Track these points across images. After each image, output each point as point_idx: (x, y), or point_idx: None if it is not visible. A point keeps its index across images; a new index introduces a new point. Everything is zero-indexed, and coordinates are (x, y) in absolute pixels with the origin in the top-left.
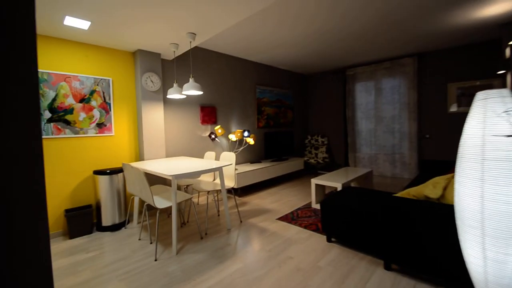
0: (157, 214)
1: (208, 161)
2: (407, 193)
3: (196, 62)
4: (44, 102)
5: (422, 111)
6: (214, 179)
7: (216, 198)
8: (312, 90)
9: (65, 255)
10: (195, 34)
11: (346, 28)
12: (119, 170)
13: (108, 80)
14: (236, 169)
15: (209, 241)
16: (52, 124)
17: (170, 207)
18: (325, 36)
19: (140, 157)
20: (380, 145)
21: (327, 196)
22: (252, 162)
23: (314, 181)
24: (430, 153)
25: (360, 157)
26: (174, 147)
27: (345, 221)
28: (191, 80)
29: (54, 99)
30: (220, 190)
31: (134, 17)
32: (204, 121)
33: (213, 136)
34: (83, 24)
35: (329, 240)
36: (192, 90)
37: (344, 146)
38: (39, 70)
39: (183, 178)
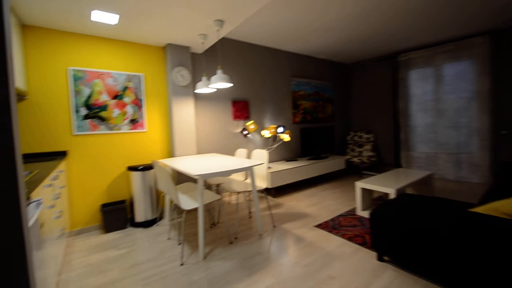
0: (184, 215)
1: (238, 159)
2: (494, 209)
3: (226, 54)
4: (80, 99)
5: (498, 102)
6: (245, 178)
7: (248, 198)
8: (354, 81)
9: (99, 251)
10: (222, 21)
11: (397, 3)
12: (151, 167)
13: (140, 76)
14: (269, 168)
15: (239, 247)
16: (88, 120)
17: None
18: (371, 16)
19: (171, 153)
20: (440, 143)
21: (378, 205)
22: (287, 160)
23: (359, 184)
24: (509, 153)
25: (414, 156)
26: (205, 144)
27: (402, 237)
28: (219, 71)
29: (89, 96)
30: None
31: (159, 5)
32: (236, 116)
33: (245, 132)
34: (112, 19)
35: (380, 259)
36: (220, 82)
37: (394, 144)
38: (75, 67)
39: (210, 177)
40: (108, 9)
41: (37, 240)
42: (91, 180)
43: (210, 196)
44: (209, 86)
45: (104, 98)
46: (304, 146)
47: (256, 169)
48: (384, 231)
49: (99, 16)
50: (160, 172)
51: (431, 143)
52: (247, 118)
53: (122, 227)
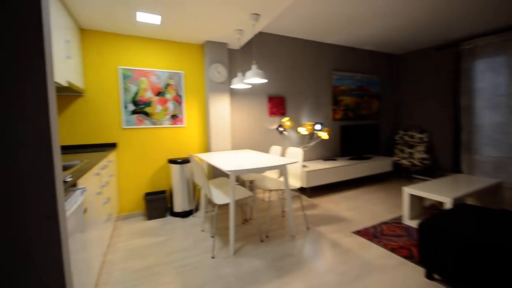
0: (216, 209)
1: (272, 156)
2: None
3: (262, 49)
4: (128, 96)
5: None
6: (279, 176)
7: (281, 196)
8: (406, 73)
9: (140, 236)
10: (258, 15)
11: None
12: (189, 160)
13: (180, 73)
14: (305, 167)
15: (270, 246)
16: (135, 115)
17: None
18: None
19: (208, 148)
20: None
21: (430, 214)
22: (325, 159)
23: (407, 190)
24: None
25: (479, 160)
26: (240, 140)
27: (459, 253)
28: (253, 67)
29: (136, 93)
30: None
31: (198, 3)
32: (272, 112)
33: (281, 129)
34: (155, 19)
35: (429, 276)
36: (254, 77)
37: (453, 145)
38: (124, 67)
39: (242, 174)
40: (151, 10)
41: (81, 223)
42: (136, 170)
43: (242, 193)
44: (244, 81)
45: (148, 95)
46: (344, 145)
47: (290, 167)
48: (436, 245)
49: (143, 17)
50: (195, 166)
51: (501, 145)
52: (283, 114)
53: (162, 215)
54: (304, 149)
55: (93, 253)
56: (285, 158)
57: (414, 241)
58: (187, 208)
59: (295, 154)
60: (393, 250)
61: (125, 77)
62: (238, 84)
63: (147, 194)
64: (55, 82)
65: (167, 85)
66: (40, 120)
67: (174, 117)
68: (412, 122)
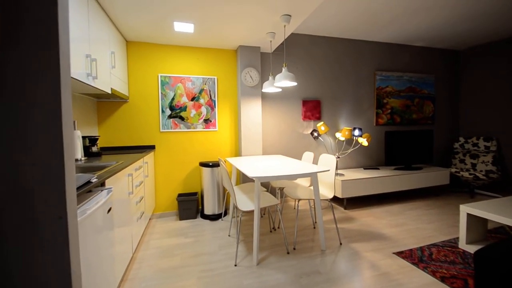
0: (240, 216)
1: (303, 163)
2: None
3: (295, 51)
4: (166, 101)
5: None
6: (310, 185)
7: (313, 205)
8: (468, 72)
9: (171, 235)
10: (289, 15)
11: None
12: (219, 164)
13: (214, 78)
14: (341, 175)
15: (296, 260)
16: (171, 119)
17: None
18: None
19: (239, 152)
20: None
21: (493, 240)
22: (366, 168)
23: (465, 208)
24: None
25: None
26: (271, 145)
27: None
28: (283, 69)
29: (173, 98)
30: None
31: (229, 7)
32: (306, 116)
33: (315, 134)
34: (189, 28)
35: None
36: (284, 81)
37: None
38: (163, 74)
39: (267, 180)
40: (185, 19)
41: (105, 221)
42: (171, 171)
43: (269, 200)
44: (274, 85)
45: (184, 100)
46: (389, 153)
47: (322, 176)
48: (498, 280)
49: (180, 26)
50: (222, 170)
51: None
52: (318, 118)
53: (193, 216)
54: (339, 156)
55: (121, 249)
56: (316, 166)
57: (471, 271)
58: (216, 212)
59: (328, 161)
60: (443, 279)
61: (164, 83)
62: (269, 87)
63: (180, 195)
64: (101, 90)
65: (201, 90)
66: (51, 124)
67: (207, 121)
68: (476, 128)
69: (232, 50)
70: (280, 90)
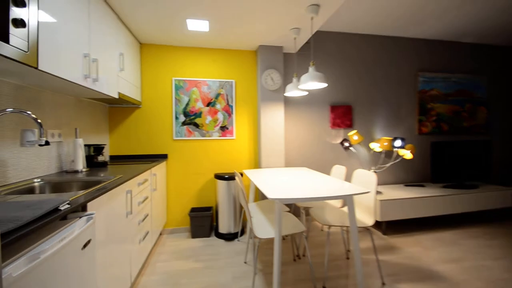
0: (257, 243)
1: (333, 180)
2: None
3: (322, 50)
4: (180, 107)
5: None
6: (343, 205)
7: (346, 228)
8: None
9: (180, 257)
10: (318, 5)
11: None
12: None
13: (231, 82)
14: (379, 193)
15: None
16: (185, 126)
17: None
18: None
19: (258, 164)
20: None
21: None
22: (408, 184)
23: None
24: None
25: None
26: (295, 156)
27: None
28: (310, 69)
29: (187, 104)
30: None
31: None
32: (335, 124)
33: (346, 144)
34: (203, 25)
35: None
36: (311, 81)
37: None
38: (177, 78)
39: (292, 202)
40: (200, 16)
41: (73, 262)
42: (184, 183)
43: (293, 225)
44: (299, 87)
45: (199, 105)
46: (436, 167)
47: (359, 195)
48: None
49: (193, 24)
50: (238, 186)
51: None
52: (349, 126)
53: (206, 234)
54: (375, 170)
55: (111, 282)
56: (350, 185)
57: None
58: (232, 230)
59: (366, 179)
60: None
61: (178, 88)
62: (293, 91)
63: (193, 209)
64: (104, 94)
65: (218, 95)
66: None
67: (223, 128)
68: None
69: (251, 51)
70: (305, 93)
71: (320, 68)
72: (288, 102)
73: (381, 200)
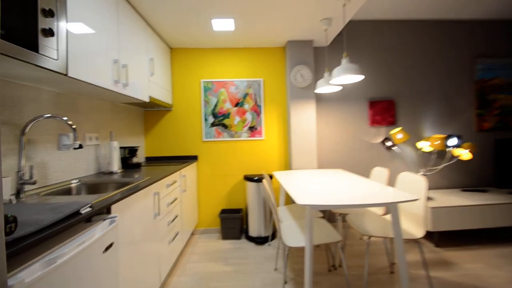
0: (286, 252)
1: (374, 184)
2: None
3: (357, 41)
4: (209, 108)
5: None
6: (385, 213)
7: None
8: None
9: (211, 259)
10: None
11: None
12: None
13: (259, 81)
14: (430, 199)
15: None
16: (214, 128)
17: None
18: None
19: (289, 165)
20: None
21: None
22: (466, 189)
23: None
24: None
25: None
26: (329, 156)
27: None
28: (343, 61)
29: (215, 105)
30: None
31: None
32: (375, 121)
33: (388, 144)
34: (229, 24)
35: None
36: (345, 75)
37: None
38: (206, 80)
39: (326, 209)
40: (224, 15)
41: (94, 266)
42: (214, 184)
43: (326, 234)
44: (331, 81)
45: (227, 106)
46: (501, 169)
47: (406, 203)
48: None
49: (218, 24)
50: (265, 189)
51: None
52: (392, 124)
53: (236, 237)
54: (425, 173)
55: (137, 285)
56: (396, 191)
57: None
58: (262, 234)
59: (413, 183)
60: None
61: (206, 89)
62: (324, 87)
63: (223, 211)
64: (135, 98)
65: (246, 94)
66: None
67: (252, 128)
68: None
69: (279, 48)
70: (338, 89)
71: (356, 60)
72: (320, 99)
73: (432, 208)
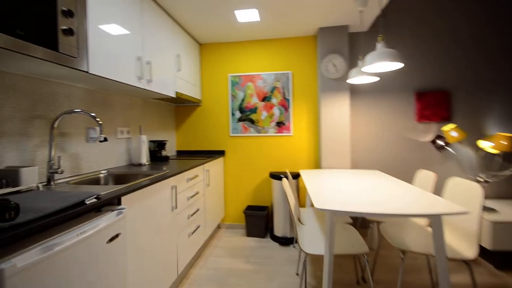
0: (304, 259)
1: (415, 190)
2: None
3: (402, 23)
4: (236, 103)
5: None
6: (429, 224)
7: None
8: None
9: (233, 255)
10: None
11: None
12: (294, 176)
13: (288, 74)
14: (491, 210)
15: None
16: (241, 123)
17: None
18: None
19: (319, 164)
20: None
21: None
22: None
23: None
24: None
25: None
26: (364, 156)
27: None
28: (378, 45)
29: (242, 100)
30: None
31: None
32: (423, 117)
33: (440, 143)
34: (253, 15)
35: None
36: (379, 61)
37: None
38: (233, 74)
39: (348, 215)
40: (247, 5)
41: (105, 249)
42: (240, 179)
43: (351, 244)
44: (362, 69)
45: (254, 100)
46: None
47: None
48: None
49: (242, 15)
50: (286, 187)
51: None
52: (446, 119)
53: (261, 235)
54: (487, 180)
55: (151, 276)
56: (440, 200)
57: None
58: (288, 235)
59: (466, 192)
60: None
61: (234, 84)
62: (357, 77)
63: (248, 207)
64: (162, 94)
65: (273, 88)
66: None
67: (279, 124)
68: None
69: (310, 36)
70: (375, 79)
71: (399, 45)
72: (355, 92)
73: (493, 222)
